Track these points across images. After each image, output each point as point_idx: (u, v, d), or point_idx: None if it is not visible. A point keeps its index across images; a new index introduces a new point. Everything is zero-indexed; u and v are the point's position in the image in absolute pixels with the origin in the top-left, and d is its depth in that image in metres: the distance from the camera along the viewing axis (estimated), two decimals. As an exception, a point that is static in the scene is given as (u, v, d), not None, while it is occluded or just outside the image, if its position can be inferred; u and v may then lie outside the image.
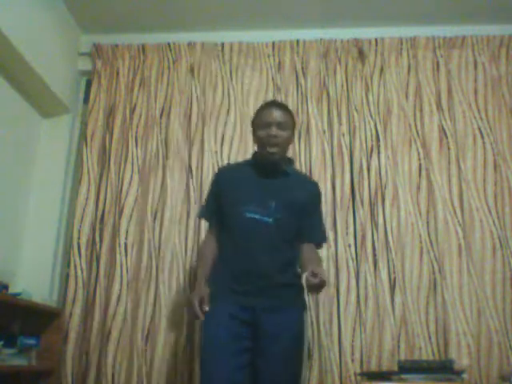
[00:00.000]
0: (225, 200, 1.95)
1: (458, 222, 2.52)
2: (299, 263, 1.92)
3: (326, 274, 1.88)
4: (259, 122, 1.93)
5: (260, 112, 1.96)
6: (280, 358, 1.74)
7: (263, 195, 1.89)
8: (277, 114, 1.90)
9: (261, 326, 1.76)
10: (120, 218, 2.59)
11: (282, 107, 1.97)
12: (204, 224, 2.43)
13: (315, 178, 2.60)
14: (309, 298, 1.93)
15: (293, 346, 1.77)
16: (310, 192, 2.03)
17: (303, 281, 1.71)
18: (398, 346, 2.34)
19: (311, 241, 1.99)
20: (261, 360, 1.74)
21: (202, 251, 2.03)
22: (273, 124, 1.88)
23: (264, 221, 1.85)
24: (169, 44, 2.91)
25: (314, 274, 1.68)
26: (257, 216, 1.85)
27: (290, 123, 1.94)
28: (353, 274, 2.46)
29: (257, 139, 1.95)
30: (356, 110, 2.74)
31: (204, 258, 1.97)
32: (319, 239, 2.04)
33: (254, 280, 1.80)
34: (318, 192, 2.10)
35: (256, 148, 2.00)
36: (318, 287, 1.71)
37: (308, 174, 2.61)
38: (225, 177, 2.03)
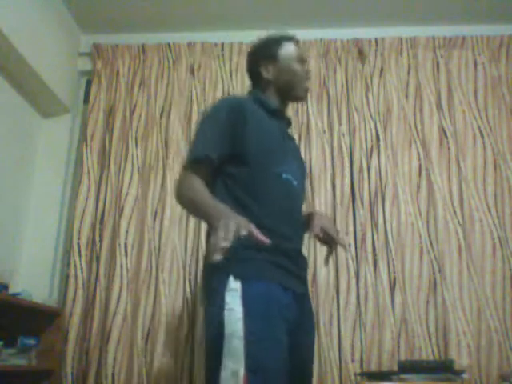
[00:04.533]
0: (255, 150, 1.45)
1: (458, 221, 2.52)
2: None
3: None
4: (296, 55, 1.61)
5: (292, 43, 1.64)
6: (310, 349, 1.50)
7: (288, 152, 1.56)
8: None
9: (302, 316, 1.45)
10: (120, 218, 2.59)
11: None
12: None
13: (315, 177, 2.61)
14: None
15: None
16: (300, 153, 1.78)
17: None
18: (398, 346, 2.34)
19: None
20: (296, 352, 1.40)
21: (196, 187, 1.40)
22: (306, 62, 1.65)
23: (294, 185, 1.51)
24: (169, 44, 2.91)
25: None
26: (290, 177, 1.50)
27: None
28: (353, 274, 2.45)
29: (289, 71, 1.59)
30: (356, 110, 2.74)
31: (205, 192, 1.39)
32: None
33: (299, 260, 1.48)
34: None
35: (276, 83, 1.60)
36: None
37: (308, 174, 2.62)
38: (253, 116, 1.49)
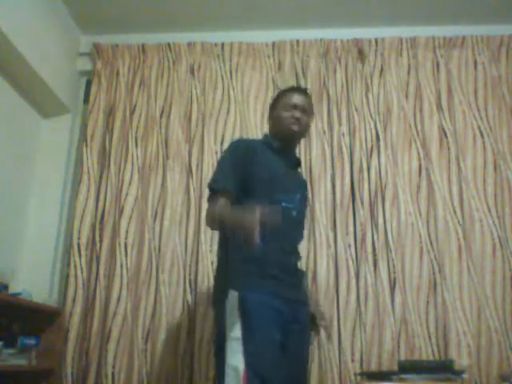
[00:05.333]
0: (260, 180, 1.73)
1: (458, 221, 2.52)
2: None
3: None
4: (285, 103, 1.89)
5: (284, 94, 1.94)
6: (306, 349, 1.75)
7: (291, 185, 1.84)
8: (301, 100, 1.89)
9: (296, 320, 1.68)
10: (120, 218, 2.59)
11: (305, 92, 1.96)
12: (204, 224, 2.43)
13: (315, 178, 2.61)
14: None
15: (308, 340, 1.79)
16: (306, 188, 2.06)
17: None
18: (398, 346, 2.34)
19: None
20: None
21: (221, 209, 1.66)
22: (297, 108, 1.87)
23: (293, 213, 1.78)
24: (169, 44, 2.91)
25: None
26: (290, 206, 1.76)
27: (310, 109, 1.94)
28: (353, 274, 2.46)
29: (277, 119, 1.89)
30: (356, 110, 2.74)
31: (228, 208, 1.66)
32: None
33: (292, 273, 1.74)
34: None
35: (272, 130, 1.93)
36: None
37: (308, 174, 2.63)
38: (261, 153, 1.81)
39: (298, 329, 1.66)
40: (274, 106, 1.95)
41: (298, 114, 1.86)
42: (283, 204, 1.74)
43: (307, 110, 1.91)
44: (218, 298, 1.68)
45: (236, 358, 1.46)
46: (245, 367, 1.44)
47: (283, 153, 1.88)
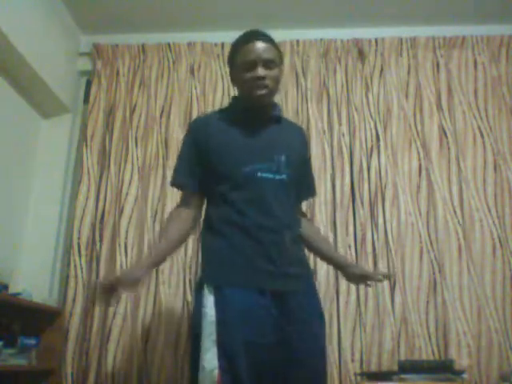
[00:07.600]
0: (219, 159, 1.54)
1: (458, 221, 2.52)
2: (307, 243, 1.72)
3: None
4: (244, 62, 1.55)
5: (241, 48, 1.57)
6: (308, 341, 1.50)
7: (268, 148, 1.57)
8: (262, 51, 1.54)
9: (288, 312, 1.47)
10: (120, 218, 2.59)
11: (266, 39, 1.58)
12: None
13: (315, 178, 2.60)
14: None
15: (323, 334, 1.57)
16: (302, 139, 1.77)
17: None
18: (398, 346, 2.34)
19: (309, 196, 1.84)
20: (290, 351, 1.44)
21: (168, 226, 1.59)
22: (259, 63, 1.54)
23: (277, 179, 1.54)
24: (169, 44, 2.91)
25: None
26: (270, 175, 1.53)
27: (277, 59, 1.59)
28: (353, 274, 2.45)
29: (239, 82, 1.59)
30: (356, 110, 2.74)
31: (168, 235, 1.55)
32: (314, 193, 1.88)
33: (281, 257, 1.49)
34: (307, 138, 1.95)
35: (238, 92, 1.66)
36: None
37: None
38: (210, 130, 1.59)
39: (292, 321, 1.46)
40: (232, 63, 1.62)
41: (261, 71, 1.53)
42: (259, 174, 1.51)
43: (273, 61, 1.55)
44: (195, 289, 1.53)
45: (210, 360, 1.34)
46: (219, 371, 1.32)
47: (252, 113, 1.61)
